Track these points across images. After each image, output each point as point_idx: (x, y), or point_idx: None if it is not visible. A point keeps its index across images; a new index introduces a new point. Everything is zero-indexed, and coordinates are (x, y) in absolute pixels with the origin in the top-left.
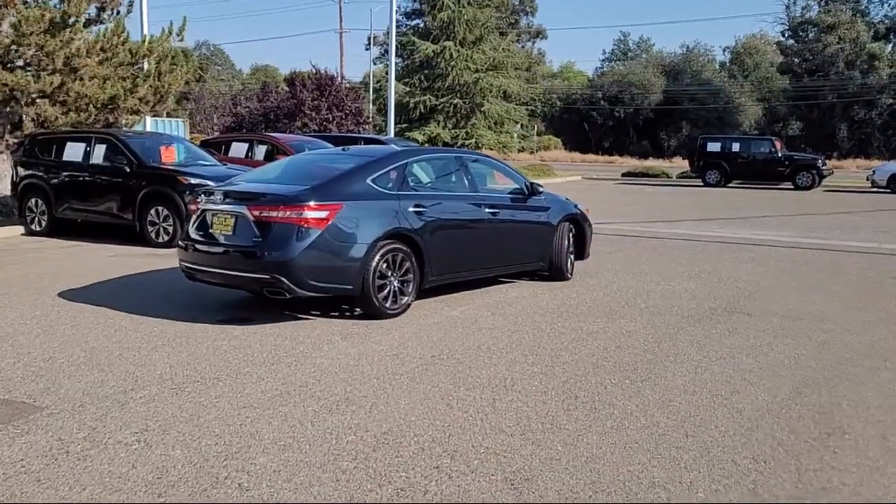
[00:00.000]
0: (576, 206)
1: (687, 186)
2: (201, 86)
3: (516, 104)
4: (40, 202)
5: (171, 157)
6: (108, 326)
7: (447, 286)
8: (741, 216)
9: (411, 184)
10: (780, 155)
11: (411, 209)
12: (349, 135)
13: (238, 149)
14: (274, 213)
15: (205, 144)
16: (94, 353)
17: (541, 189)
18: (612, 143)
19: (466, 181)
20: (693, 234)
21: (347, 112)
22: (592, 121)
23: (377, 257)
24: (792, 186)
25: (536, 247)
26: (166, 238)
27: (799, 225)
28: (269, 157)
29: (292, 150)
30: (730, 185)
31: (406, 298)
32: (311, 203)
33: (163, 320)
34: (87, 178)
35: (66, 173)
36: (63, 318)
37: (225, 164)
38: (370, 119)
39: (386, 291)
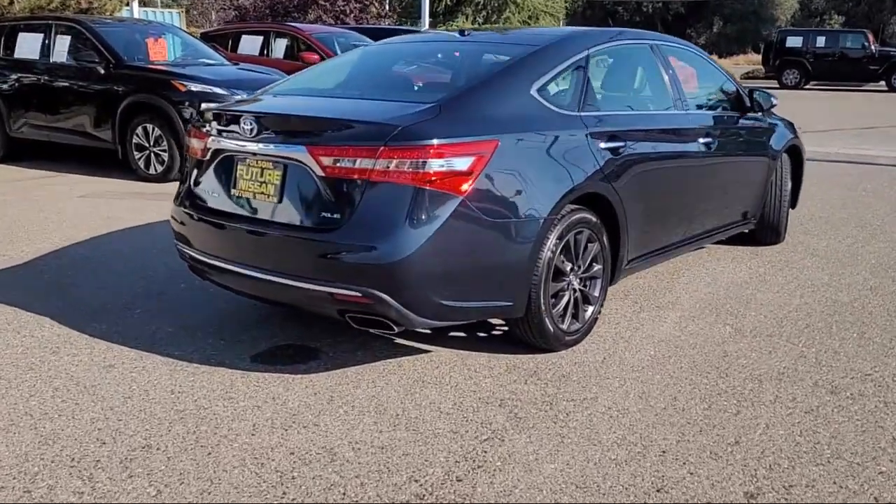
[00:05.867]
0: (792, 127)
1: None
2: None
3: None
4: None
5: (161, 53)
6: (39, 380)
7: None
8: (872, 126)
9: (598, 96)
10: (873, 50)
11: (603, 144)
12: (381, 27)
13: (250, 43)
14: (366, 163)
15: (206, 38)
16: None
17: (774, 101)
18: None
19: (671, 88)
20: (835, 153)
21: (367, 3)
22: (618, 17)
23: (552, 240)
24: (886, 87)
25: (746, 196)
26: (160, 169)
27: None
28: (291, 54)
29: (322, 44)
30: (807, 86)
31: (591, 309)
32: (437, 141)
33: (143, 357)
34: (49, 83)
35: (20, 76)
36: None
37: (236, 64)
38: (389, 14)
39: (564, 302)
